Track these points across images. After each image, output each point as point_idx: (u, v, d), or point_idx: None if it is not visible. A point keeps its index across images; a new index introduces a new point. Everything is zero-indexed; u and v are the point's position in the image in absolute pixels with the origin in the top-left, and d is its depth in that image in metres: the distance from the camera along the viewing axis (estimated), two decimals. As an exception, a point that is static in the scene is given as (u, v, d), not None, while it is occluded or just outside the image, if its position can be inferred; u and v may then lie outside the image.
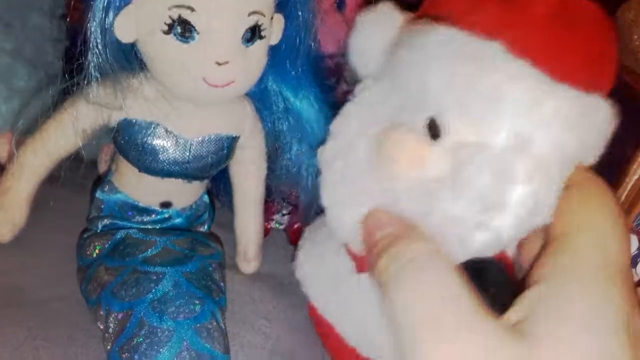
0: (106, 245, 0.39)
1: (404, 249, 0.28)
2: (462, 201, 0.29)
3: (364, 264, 0.35)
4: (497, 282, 0.31)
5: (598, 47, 0.30)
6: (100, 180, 0.42)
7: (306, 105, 0.41)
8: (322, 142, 0.43)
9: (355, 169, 0.34)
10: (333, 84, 0.45)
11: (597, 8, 0.30)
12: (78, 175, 0.41)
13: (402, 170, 0.31)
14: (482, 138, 0.29)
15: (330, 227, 0.35)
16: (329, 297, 0.38)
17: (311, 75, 0.41)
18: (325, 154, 0.36)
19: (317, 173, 0.43)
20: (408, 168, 0.31)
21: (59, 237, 0.42)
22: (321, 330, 0.39)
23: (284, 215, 0.50)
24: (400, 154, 0.32)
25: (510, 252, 0.32)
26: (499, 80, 0.29)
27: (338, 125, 0.36)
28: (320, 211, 0.45)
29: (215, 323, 0.35)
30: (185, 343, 0.33)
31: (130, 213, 0.41)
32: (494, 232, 0.29)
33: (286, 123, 0.42)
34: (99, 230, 0.40)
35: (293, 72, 0.40)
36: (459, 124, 0.30)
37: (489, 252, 0.30)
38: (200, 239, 0.42)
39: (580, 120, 0.29)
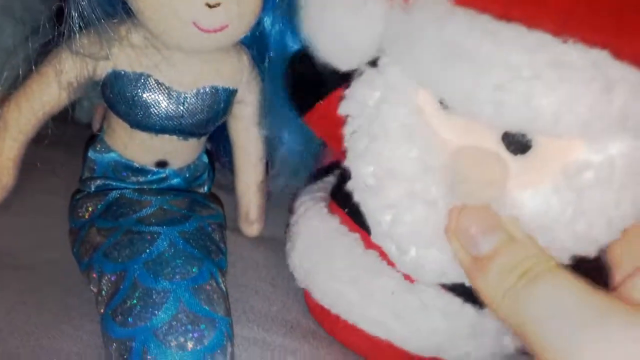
0: (99, 206, 0.37)
1: (522, 258, 0.27)
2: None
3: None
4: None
5: None
6: (93, 140, 0.40)
7: None
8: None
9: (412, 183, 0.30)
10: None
11: None
12: (67, 135, 0.39)
13: (485, 198, 0.28)
14: (589, 155, 0.27)
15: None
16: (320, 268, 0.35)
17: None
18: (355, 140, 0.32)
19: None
20: (491, 197, 0.28)
21: (50, 199, 0.40)
22: (317, 312, 0.37)
23: (287, 176, 0.48)
24: (485, 182, 0.28)
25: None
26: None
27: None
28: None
29: (214, 284, 0.33)
30: (182, 305, 0.31)
31: (125, 173, 0.38)
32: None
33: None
34: (92, 191, 0.38)
35: (291, 16, 0.37)
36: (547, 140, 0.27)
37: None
38: (199, 199, 0.40)
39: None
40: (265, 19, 0.37)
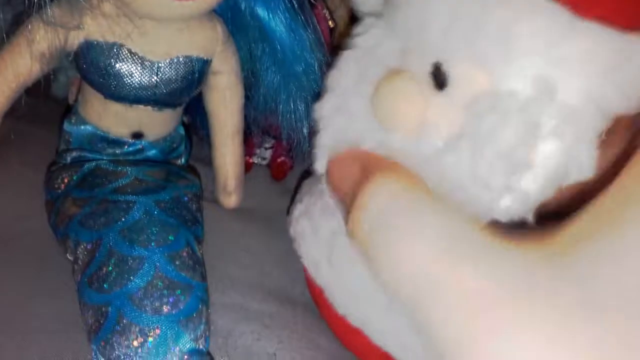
0: (74, 177, 0.37)
1: (367, 198, 0.23)
2: (483, 160, 0.25)
3: None
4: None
5: None
6: (68, 112, 0.40)
7: (280, 25, 0.39)
8: (305, 73, 0.41)
9: (355, 130, 0.30)
10: (310, 3, 0.42)
11: None
12: (44, 109, 0.39)
13: (402, 123, 0.28)
14: (496, 86, 0.26)
15: (327, 193, 0.31)
16: (319, 260, 0.35)
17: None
18: (321, 110, 0.32)
19: (303, 111, 0.41)
20: (408, 121, 0.27)
21: (26, 171, 0.40)
22: (312, 292, 0.37)
23: (266, 149, 0.48)
24: (399, 104, 0.28)
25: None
26: (507, 17, 0.25)
27: (334, 76, 0.32)
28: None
29: (190, 251, 0.34)
30: (157, 271, 0.31)
31: (101, 145, 0.39)
32: (521, 196, 0.26)
33: (260, 46, 0.40)
34: (67, 163, 0.38)
35: None
36: (467, 71, 0.26)
37: (512, 217, 0.27)
38: (176, 170, 0.40)
39: (617, 65, 0.25)
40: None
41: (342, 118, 0.31)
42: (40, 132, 0.42)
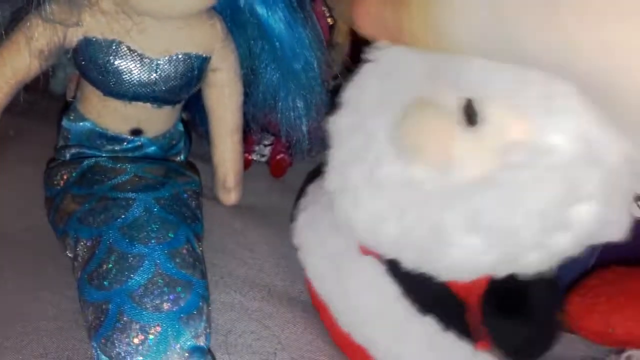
0: (73, 174, 0.37)
1: None
2: (516, 212, 0.25)
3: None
4: (543, 304, 0.28)
5: None
6: (67, 109, 0.39)
7: (279, 23, 0.39)
8: (305, 71, 0.41)
9: (373, 151, 0.29)
10: (309, 0, 0.42)
11: None
12: (42, 105, 0.39)
13: (427, 157, 0.27)
14: (534, 138, 0.25)
15: (337, 217, 0.31)
16: (325, 275, 0.34)
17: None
18: (337, 125, 0.32)
19: (302, 108, 0.41)
20: (434, 156, 0.27)
21: (25, 168, 0.40)
22: (316, 304, 0.37)
23: (265, 146, 0.48)
24: (427, 138, 0.27)
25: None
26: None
27: (353, 91, 0.32)
28: (314, 148, 0.43)
29: (190, 248, 0.34)
30: (157, 268, 0.31)
31: (100, 142, 0.38)
32: (550, 254, 0.25)
33: (259, 43, 0.40)
34: (66, 159, 0.38)
35: None
36: (503, 115, 0.25)
37: (535, 271, 0.27)
38: (175, 167, 0.40)
39: None
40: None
41: (359, 137, 0.30)
42: (38, 128, 0.42)
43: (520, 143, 0.25)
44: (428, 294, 0.31)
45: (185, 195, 0.37)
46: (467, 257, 0.27)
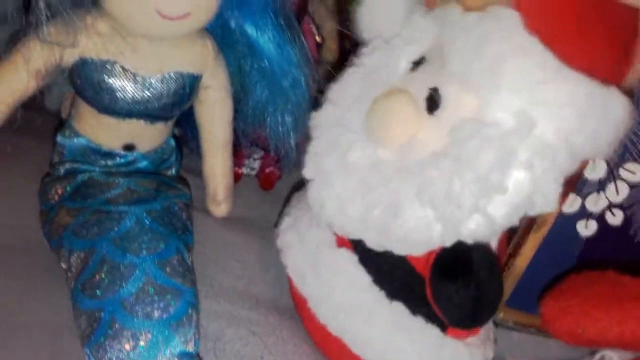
0: (68, 188, 0.38)
1: None
2: (459, 180, 0.28)
3: (343, 239, 0.34)
4: (484, 266, 0.30)
5: (623, 40, 0.28)
6: (62, 125, 0.41)
7: (268, 42, 0.40)
8: (292, 87, 0.42)
9: (347, 139, 0.32)
10: (297, 19, 0.44)
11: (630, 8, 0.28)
12: (38, 122, 0.40)
13: (390, 142, 0.30)
14: (482, 114, 0.28)
15: (310, 203, 0.34)
16: (303, 269, 0.36)
17: (273, 9, 0.40)
18: (318, 119, 0.34)
19: (291, 124, 0.43)
20: (397, 140, 0.30)
21: (21, 183, 0.41)
22: (296, 302, 0.38)
23: (255, 160, 0.50)
24: (391, 123, 0.30)
25: (495, 244, 0.31)
26: (502, 52, 0.27)
27: (337, 90, 0.34)
28: (302, 162, 0.44)
29: (180, 258, 0.35)
30: (148, 277, 0.33)
31: (94, 157, 0.40)
32: (488, 219, 0.28)
33: (249, 61, 0.41)
34: (61, 174, 0.39)
35: (254, 5, 0.39)
36: (459, 95, 0.29)
37: (477, 239, 0.29)
38: (167, 180, 0.41)
39: (592, 112, 0.27)
40: (227, 8, 0.38)
41: (337, 129, 0.33)
42: (33, 144, 0.43)
43: (469, 119, 0.28)
44: (396, 279, 0.33)
45: (176, 208, 0.39)
46: (419, 228, 0.29)
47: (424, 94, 0.30)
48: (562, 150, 0.27)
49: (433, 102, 0.29)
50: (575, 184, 0.38)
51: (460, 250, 0.29)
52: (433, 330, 0.32)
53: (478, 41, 0.28)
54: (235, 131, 0.44)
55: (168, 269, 0.34)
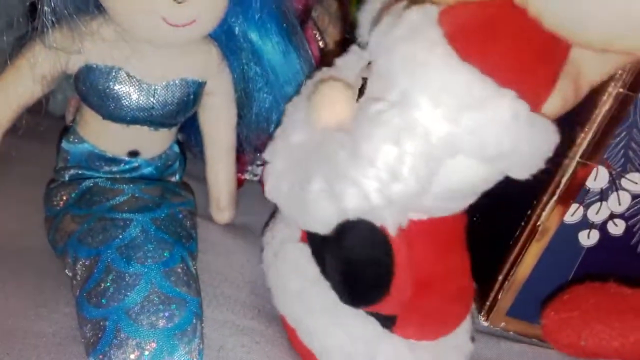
0: (73, 195, 0.38)
1: None
2: (342, 151, 0.29)
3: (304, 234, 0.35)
4: (360, 236, 0.30)
5: (522, 50, 0.27)
6: (66, 130, 0.41)
7: (272, 48, 0.40)
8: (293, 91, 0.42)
9: (294, 122, 0.34)
10: (300, 25, 0.44)
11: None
12: (42, 127, 0.40)
13: (323, 119, 0.32)
14: (382, 95, 0.29)
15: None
16: (270, 265, 0.38)
17: (277, 15, 0.40)
18: (287, 108, 0.36)
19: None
20: (328, 118, 0.32)
21: (25, 188, 0.41)
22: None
23: (258, 165, 0.50)
24: (322, 103, 0.32)
25: (392, 231, 0.31)
26: (404, 35, 0.28)
27: (307, 84, 0.36)
28: None
29: (185, 267, 0.35)
30: (153, 286, 0.33)
31: (98, 163, 0.40)
32: (362, 191, 0.28)
33: (253, 68, 0.41)
34: (66, 180, 0.39)
35: (258, 12, 0.38)
36: (374, 82, 0.31)
37: (363, 215, 0.30)
38: (171, 187, 0.41)
39: (472, 104, 0.26)
40: (232, 14, 0.38)
41: (293, 115, 0.35)
42: (38, 149, 0.43)
43: (369, 99, 0.30)
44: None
45: (180, 215, 0.39)
46: (318, 202, 0.30)
47: (360, 83, 0.32)
48: (439, 137, 0.27)
49: (362, 90, 0.31)
50: (577, 193, 0.38)
51: (339, 225, 0.30)
52: (373, 325, 0.33)
53: (389, 27, 0.29)
54: (238, 137, 0.44)
55: (173, 278, 0.34)
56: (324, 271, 0.34)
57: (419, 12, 0.28)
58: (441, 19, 0.28)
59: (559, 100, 0.28)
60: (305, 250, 0.36)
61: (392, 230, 0.30)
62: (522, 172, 0.28)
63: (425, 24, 0.27)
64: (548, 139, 0.28)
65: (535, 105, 0.27)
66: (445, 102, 0.26)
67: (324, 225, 0.31)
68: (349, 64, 0.35)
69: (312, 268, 0.35)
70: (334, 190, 0.29)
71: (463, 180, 0.29)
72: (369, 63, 0.32)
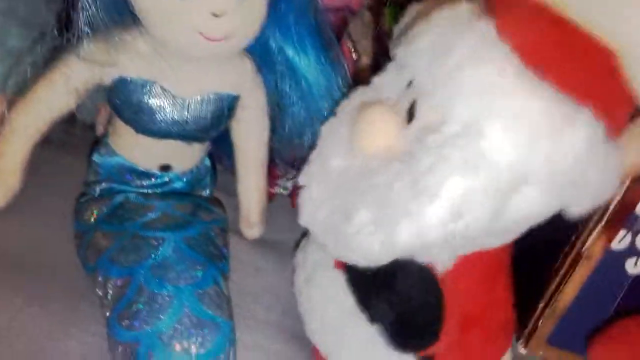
0: (104, 210, 0.37)
1: None
2: (398, 183, 0.27)
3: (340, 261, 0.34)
4: (412, 280, 0.29)
5: (600, 64, 0.25)
6: (98, 143, 0.40)
7: (307, 63, 0.39)
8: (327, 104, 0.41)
9: (333, 146, 0.33)
10: (337, 39, 0.43)
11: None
12: (74, 138, 0.39)
13: (370, 146, 0.30)
14: (442, 123, 0.27)
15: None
16: (302, 289, 0.37)
17: (313, 30, 0.38)
18: (323, 129, 0.35)
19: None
20: (375, 145, 0.30)
21: (55, 201, 0.40)
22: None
23: (288, 180, 0.49)
24: (369, 129, 0.30)
25: (441, 269, 0.29)
26: (464, 60, 0.26)
27: (342, 104, 0.35)
28: None
29: (217, 289, 0.34)
30: (186, 309, 0.32)
31: (129, 177, 0.39)
32: (418, 226, 0.26)
33: (287, 82, 0.40)
34: (96, 195, 0.39)
35: (294, 27, 0.37)
36: (427, 108, 0.28)
37: (414, 254, 0.28)
38: (202, 203, 0.41)
39: (556, 130, 0.24)
40: (268, 29, 0.37)
41: (330, 139, 0.33)
42: (67, 160, 0.43)
43: (427, 128, 0.28)
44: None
45: (212, 234, 0.38)
46: (361, 234, 0.28)
47: (406, 106, 0.30)
48: (507, 168, 0.25)
49: (411, 114, 0.29)
50: (625, 219, 0.37)
51: (390, 267, 0.29)
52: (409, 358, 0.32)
53: (441, 52, 0.27)
54: (270, 150, 0.43)
55: (206, 300, 0.33)
56: (361, 302, 0.32)
57: (473, 32, 0.26)
58: (503, 34, 0.26)
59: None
60: (340, 279, 0.34)
61: (441, 269, 0.28)
62: (587, 202, 0.26)
63: (486, 42, 0.26)
64: (618, 169, 0.26)
65: (612, 124, 0.26)
66: (520, 130, 0.24)
67: (366, 260, 0.29)
68: (387, 82, 0.33)
69: (347, 298, 0.33)
70: (383, 223, 0.27)
71: (527, 214, 0.27)
72: (410, 82, 0.31)
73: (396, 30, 0.35)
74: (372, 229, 0.28)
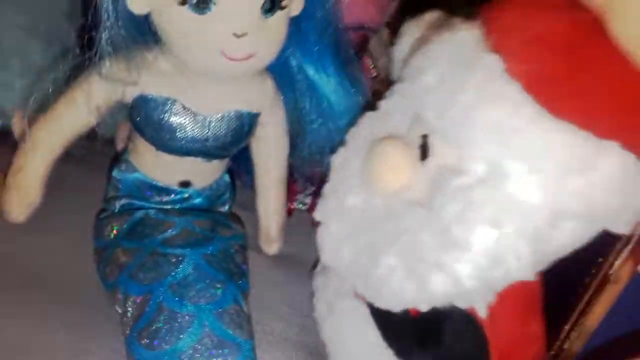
0: (124, 226, 0.37)
1: None
2: (426, 232, 0.26)
3: None
4: (459, 332, 0.28)
5: (619, 90, 0.24)
6: (118, 159, 0.40)
7: (327, 81, 0.39)
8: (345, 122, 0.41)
9: (347, 182, 0.32)
10: (357, 57, 0.42)
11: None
12: (94, 153, 0.39)
13: (386, 185, 0.29)
14: (461, 164, 0.26)
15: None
16: (324, 317, 0.36)
17: (334, 49, 0.38)
18: (332, 162, 0.34)
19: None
20: (392, 184, 0.29)
21: (75, 217, 0.40)
22: None
23: (307, 195, 0.48)
24: (385, 167, 0.29)
25: (483, 313, 0.28)
26: (475, 98, 0.25)
27: (352, 132, 0.34)
28: None
29: (238, 308, 0.34)
30: (206, 329, 0.32)
31: (149, 193, 0.39)
32: (453, 277, 0.26)
33: (308, 100, 0.40)
34: (116, 211, 0.39)
35: (315, 46, 0.37)
36: (442, 146, 0.27)
37: (452, 301, 0.27)
38: (221, 219, 0.40)
39: (577, 165, 0.24)
40: (288, 47, 0.37)
41: (342, 172, 0.33)
42: (87, 175, 0.43)
43: (447, 168, 0.27)
44: (404, 338, 0.31)
45: (232, 250, 0.38)
46: (390, 279, 0.27)
47: (418, 140, 0.29)
48: (540, 208, 0.24)
49: (425, 150, 0.28)
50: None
51: (433, 318, 0.28)
52: None
53: (451, 89, 0.26)
54: (290, 167, 0.43)
55: (226, 320, 0.33)
56: (401, 352, 0.31)
57: (483, 67, 0.25)
58: (511, 68, 0.24)
59: None
60: (362, 309, 0.33)
61: (482, 312, 0.27)
62: (624, 225, 0.25)
63: (494, 79, 0.25)
64: None
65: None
66: (546, 169, 0.24)
67: (400, 305, 0.28)
68: (394, 108, 0.32)
69: (371, 330, 0.32)
70: (415, 273, 0.26)
71: (569, 245, 0.26)
72: (418, 114, 0.30)
73: (396, 51, 0.34)
74: (404, 273, 0.27)
